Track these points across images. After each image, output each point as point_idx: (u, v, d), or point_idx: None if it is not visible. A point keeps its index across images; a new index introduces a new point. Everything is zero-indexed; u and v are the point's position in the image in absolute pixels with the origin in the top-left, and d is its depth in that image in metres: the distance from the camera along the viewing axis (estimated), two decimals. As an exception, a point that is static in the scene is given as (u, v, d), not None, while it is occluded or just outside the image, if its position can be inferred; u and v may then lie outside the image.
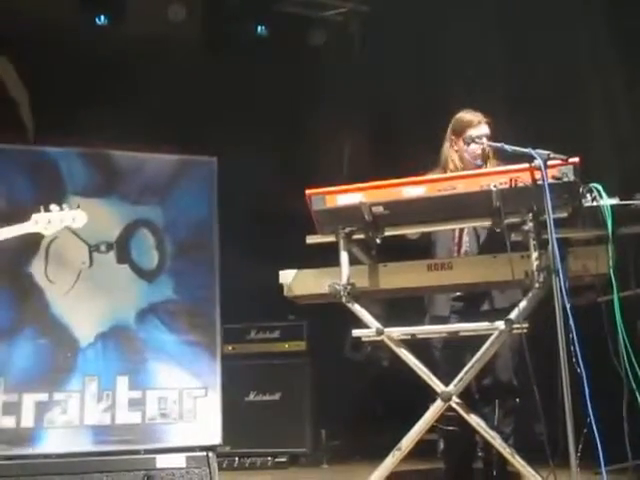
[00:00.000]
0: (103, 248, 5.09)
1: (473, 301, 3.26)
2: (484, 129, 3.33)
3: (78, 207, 3.16)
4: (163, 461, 2.76)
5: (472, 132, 3.33)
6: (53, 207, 3.28)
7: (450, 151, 3.41)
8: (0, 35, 5.29)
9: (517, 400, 3.24)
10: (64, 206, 3.17)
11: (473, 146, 3.32)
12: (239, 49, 5.85)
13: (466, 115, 3.40)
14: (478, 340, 2.91)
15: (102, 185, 5.16)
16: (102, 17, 5.46)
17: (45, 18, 5.39)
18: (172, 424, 4.96)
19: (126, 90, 5.58)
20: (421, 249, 3.33)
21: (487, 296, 3.26)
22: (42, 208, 3.30)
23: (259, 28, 5.81)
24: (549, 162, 2.63)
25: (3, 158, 4.99)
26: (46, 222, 3.35)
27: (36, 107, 5.79)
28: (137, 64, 5.62)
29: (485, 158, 3.31)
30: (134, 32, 5.65)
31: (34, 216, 3.36)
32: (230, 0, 5.93)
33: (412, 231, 3.16)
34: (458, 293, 3.29)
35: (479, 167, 3.29)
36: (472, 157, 3.34)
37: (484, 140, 3.21)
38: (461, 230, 3.30)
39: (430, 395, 2.98)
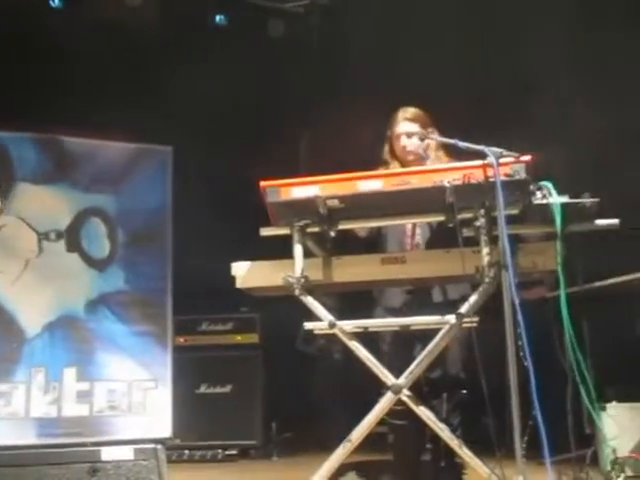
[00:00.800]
0: (53, 236, 4.99)
1: (424, 293, 3.29)
2: (403, 126, 3.40)
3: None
4: (109, 453, 2.72)
5: (395, 130, 3.42)
6: None
7: (386, 147, 3.49)
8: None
9: (464, 392, 3.29)
10: None
11: (395, 142, 3.41)
12: (197, 37, 5.78)
13: (395, 112, 3.46)
14: (429, 333, 2.95)
15: (53, 171, 5.06)
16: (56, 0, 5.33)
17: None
18: (121, 416, 4.90)
19: (80, 75, 5.48)
20: (370, 246, 3.34)
21: (439, 288, 3.29)
22: None
23: (218, 17, 5.75)
24: (502, 160, 2.66)
25: (-51, 142, 4.86)
26: None
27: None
28: (92, 48, 5.51)
29: (413, 155, 3.35)
30: (89, 16, 5.54)
31: None
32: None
33: (366, 225, 3.18)
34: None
35: (415, 161, 3.35)
36: (401, 153, 3.41)
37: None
38: (414, 223, 3.33)
39: (380, 388, 3.00)
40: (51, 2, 5.34)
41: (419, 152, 3.33)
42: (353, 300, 3.45)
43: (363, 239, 3.31)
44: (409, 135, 3.37)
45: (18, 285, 4.85)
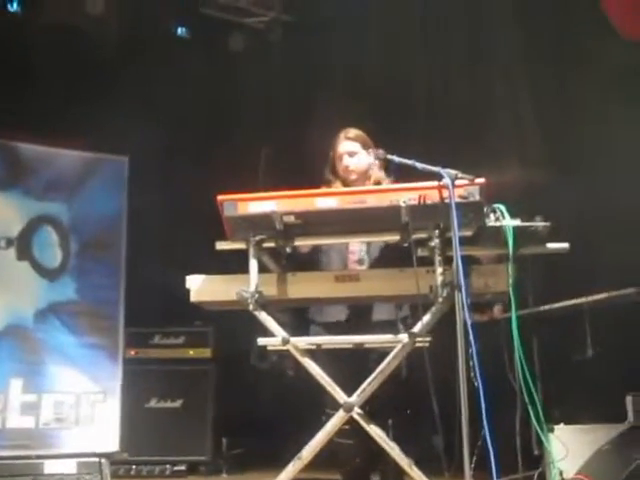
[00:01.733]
0: (3, 244, 4.89)
1: (363, 309, 3.29)
2: (346, 146, 3.43)
3: None
4: (52, 467, 2.66)
5: (337, 149, 3.45)
6: None
7: (327, 168, 3.50)
8: None
9: (408, 412, 3.31)
10: None
11: (337, 163, 3.43)
12: (157, 48, 5.75)
13: (339, 132, 3.49)
14: (368, 351, 2.95)
15: (5, 177, 4.97)
16: (14, 3, 5.25)
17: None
18: (68, 429, 4.80)
19: (37, 81, 5.38)
20: (308, 262, 3.33)
21: (377, 307, 3.30)
22: None
23: (180, 29, 5.73)
24: (457, 182, 2.70)
25: None
26: None
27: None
28: (50, 55, 5.43)
29: (356, 174, 3.37)
30: (48, 22, 5.46)
31: None
32: (151, -2, 5.83)
33: (322, 242, 3.19)
34: None
35: (357, 181, 3.38)
36: (343, 173, 3.44)
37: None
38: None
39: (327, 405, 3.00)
40: (9, 6, 5.24)
41: (362, 170, 3.37)
42: (296, 316, 3.44)
43: (304, 255, 3.30)
44: (351, 154, 3.40)
45: (-35, 292, 4.73)
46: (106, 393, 4.90)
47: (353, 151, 3.41)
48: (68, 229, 5.05)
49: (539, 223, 2.85)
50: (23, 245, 4.93)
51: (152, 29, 5.80)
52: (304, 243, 3.08)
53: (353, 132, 3.46)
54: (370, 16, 5.40)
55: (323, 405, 2.99)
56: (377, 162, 3.31)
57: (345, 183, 3.42)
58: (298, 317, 3.43)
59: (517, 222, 2.83)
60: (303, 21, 5.96)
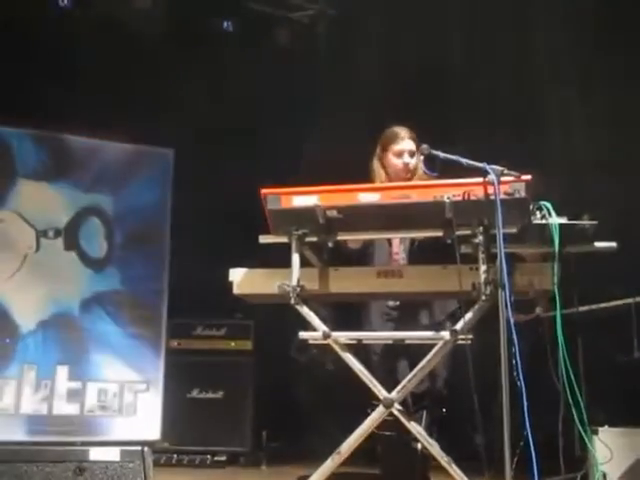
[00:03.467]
0: (51, 234, 5.00)
1: (409, 312, 3.29)
2: (407, 144, 3.41)
3: None
4: (97, 454, 2.71)
5: (395, 147, 3.42)
6: None
7: (377, 165, 3.47)
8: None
9: (444, 410, 3.29)
10: None
11: (394, 160, 3.40)
12: (204, 43, 5.79)
13: (392, 130, 3.47)
14: (415, 349, 2.95)
15: (54, 169, 5.08)
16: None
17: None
18: (111, 417, 4.90)
19: (86, 75, 5.48)
20: (359, 258, 3.34)
21: (424, 309, 3.30)
22: None
23: (225, 23, 5.76)
24: (502, 178, 2.66)
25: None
26: None
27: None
28: (99, 49, 5.52)
29: (410, 173, 3.37)
30: (98, 16, 5.55)
31: None
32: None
33: (364, 237, 3.18)
34: (395, 303, 3.31)
35: (405, 179, 3.36)
36: (395, 171, 3.41)
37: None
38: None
39: (371, 400, 3.00)
40: (60, 2, 5.34)
41: (414, 170, 3.35)
42: (346, 313, 3.45)
43: (354, 251, 3.30)
44: (411, 154, 3.38)
45: (14, 281, 4.86)
46: (149, 383, 4.98)
47: (413, 150, 3.38)
48: (114, 220, 5.15)
49: (586, 221, 2.79)
50: (70, 235, 5.04)
51: (198, 23, 5.84)
52: (346, 238, 3.07)
53: (411, 131, 3.44)
54: (414, 10, 5.35)
55: (369, 397, 2.98)
56: (418, 162, 3.29)
57: (391, 179, 3.40)
58: (356, 314, 3.43)
59: (563, 220, 2.78)
60: (348, 14, 5.93)
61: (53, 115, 5.10)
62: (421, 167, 3.30)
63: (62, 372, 4.85)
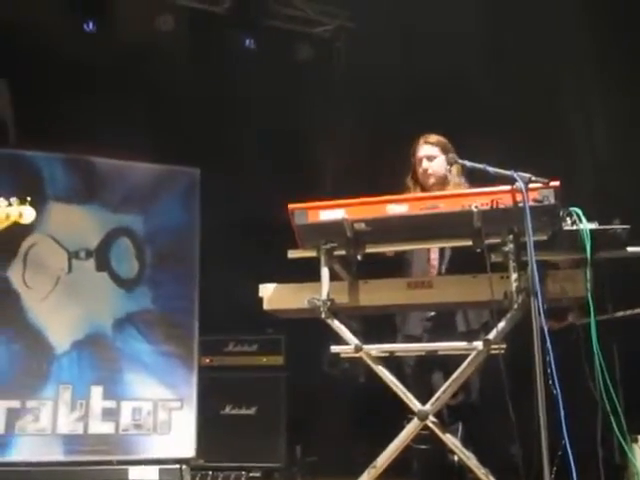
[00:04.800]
0: (83, 255, 5.06)
1: (445, 322, 3.27)
2: (425, 149, 3.44)
3: (26, 202, 2.97)
4: (135, 473, 2.74)
5: (417, 154, 3.47)
6: (0, 201, 3.02)
7: (410, 174, 3.52)
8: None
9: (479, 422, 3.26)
10: (12, 200, 2.97)
11: (418, 167, 3.44)
12: (226, 61, 5.85)
13: (418, 138, 3.51)
14: (450, 360, 2.93)
15: (84, 191, 5.15)
16: (90, 24, 5.43)
17: (34, 22, 5.37)
18: (146, 435, 4.92)
19: (111, 98, 5.56)
20: (396, 267, 3.34)
21: (459, 317, 3.28)
22: None
23: (247, 41, 5.81)
24: (530, 185, 2.65)
25: (-16, 160, 4.96)
26: None
27: (20, 110, 5.75)
28: (123, 72, 5.60)
29: (434, 177, 3.36)
30: (121, 40, 5.64)
31: None
32: (218, 13, 5.94)
33: (393, 249, 3.17)
34: (432, 313, 3.31)
35: (437, 185, 3.36)
36: (422, 177, 3.44)
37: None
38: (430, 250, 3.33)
39: (405, 413, 2.98)
40: (85, 26, 5.43)
41: (440, 174, 3.35)
42: (377, 325, 3.44)
43: (390, 258, 3.30)
44: (430, 158, 3.39)
45: (48, 302, 4.92)
46: (182, 400, 5.00)
47: (432, 155, 3.41)
48: (144, 240, 5.20)
49: (618, 226, 2.76)
50: (101, 256, 5.10)
51: (220, 42, 5.90)
52: (375, 250, 3.06)
53: (433, 137, 3.47)
54: (434, 23, 5.35)
55: (403, 410, 2.97)
56: (454, 167, 3.29)
57: (424, 189, 3.42)
58: (387, 326, 3.43)
59: (594, 225, 2.75)
60: (368, 29, 5.95)
61: (81, 138, 5.18)
62: (455, 175, 3.30)
63: (97, 392, 4.89)
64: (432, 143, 3.44)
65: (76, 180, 5.18)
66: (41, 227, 4.99)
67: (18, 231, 4.84)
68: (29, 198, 2.90)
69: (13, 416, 4.70)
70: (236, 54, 5.87)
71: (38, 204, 4.95)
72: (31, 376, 4.80)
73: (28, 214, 3.01)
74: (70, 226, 5.09)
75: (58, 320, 4.91)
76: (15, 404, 4.72)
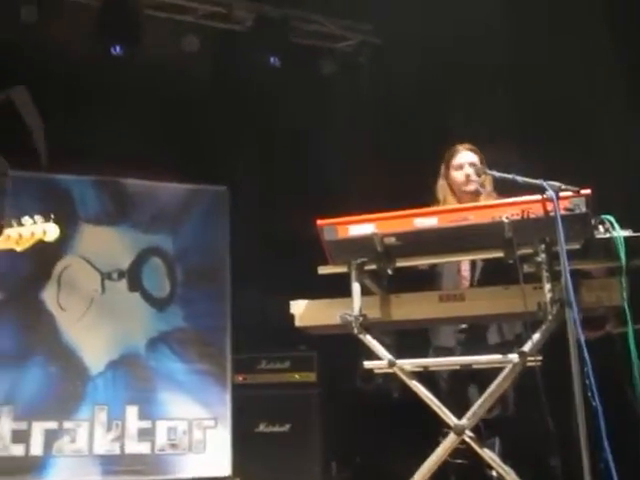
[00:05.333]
0: (115, 276, 5.12)
1: (478, 334, 3.24)
2: (466, 156, 3.42)
3: (50, 219, 3.00)
4: (174, 493, 2.75)
5: (455, 160, 3.43)
6: (25, 220, 3.00)
7: (442, 184, 3.49)
8: (18, 65, 5.37)
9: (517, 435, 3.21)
10: (36, 218, 3.00)
11: (456, 174, 3.40)
12: (251, 79, 5.90)
13: (452, 146, 3.49)
14: (485, 373, 2.90)
15: (114, 213, 5.22)
16: (117, 47, 5.52)
17: (62, 48, 5.47)
18: (182, 455, 4.94)
19: (138, 119, 5.63)
20: (428, 279, 3.32)
21: (492, 329, 3.24)
22: (14, 222, 3.02)
23: (272, 59, 5.85)
24: (561, 194, 2.62)
25: (17, 185, 5.05)
26: (17, 237, 3.01)
27: (50, 134, 5.85)
28: (150, 93, 5.68)
29: (474, 184, 3.34)
30: (147, 61, 5.72)
31: (6, 231, 3.03)
32: (241, 31, 6.00)
33: (423, 262, 3.15)
34: (464, 325, 3.28)
35: (471, 194, 3.34)
36: (458, 185, 3.41)
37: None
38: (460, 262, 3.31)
39: (441, 427, 2.95)
40: (112, 50, 5.51)
41: (477, 185, 3.32)
42: (409, 339, 3.42)
43: (422, 272, 3.28)
44: (472, 164, 3.36)
45: (82, 323, 4.99)
46: (217, 419, 5.02)
47: (473, 162, 3.38)
48: (174, 259, 5.24)
49: (652, 233, 2.71)
50: (134, 276, 5.15)
51: (245, 61, 5.95)
52: (405, 264, 3.05)
53: (471, 145, 3.45)
54: (456, 35, 5.34)
55: (439, 425, 2.94)
56: (485, 178, 3.27)
57: (459, 198, 3.39)
58: (419, 339, 3.41)
59: (628, 232, 2.70)
60: (392, 43, 5.96)
61: (110, 160, 5.25)
62: (487, 187, 3.28)
63: (132, 412, 4.92)
64: (473, 150, 3.42)
65: (106, 202, 5.25)
66: (74, 249, 5.06)
67: (51, 253, 4.97)
68: (53, 216, 2.93)
69: (51, 437, 4.75)
70: (261, 72, 5.91)
71: (70, 226, 5.07)
72: (67, 397, 4.85)
73: (52, 231, 3.02)
74: (102, 247, 5.16)
75: (92, 341, 4.97)
76: (52, 425, 4.77)
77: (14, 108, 5.78)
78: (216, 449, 4.97)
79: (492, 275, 3.10)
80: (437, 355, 3.27)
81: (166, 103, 5.72)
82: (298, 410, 5.19)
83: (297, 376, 5.29)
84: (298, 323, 3.06)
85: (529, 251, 2.75)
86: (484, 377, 2.90)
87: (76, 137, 5.46)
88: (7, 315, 4.81)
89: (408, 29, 5.40)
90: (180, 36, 5.82)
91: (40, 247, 4.89)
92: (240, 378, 5.31)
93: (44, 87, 5.63)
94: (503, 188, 3.13)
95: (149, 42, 5.66)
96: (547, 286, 2.68)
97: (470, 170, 3.37)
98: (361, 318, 2.87)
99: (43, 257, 4.96)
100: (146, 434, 4.92)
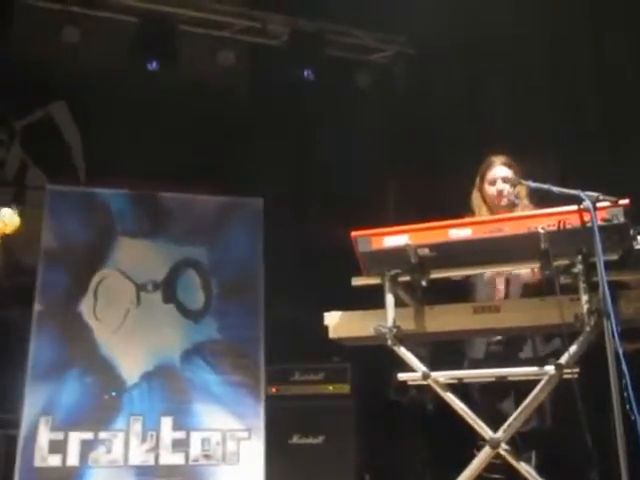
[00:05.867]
0: (150, 287, 5.18)
1: (512, 346, 3.21)
2: (500, 171, 3.38)
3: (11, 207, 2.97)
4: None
5: (489, 174, 3.41)
6: None
7: (476, 196, 3.47)
8: (57, 81, 5.50)
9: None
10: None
11: (489, 188, 3.39)
12: (286, 93, 5.95)
13: (488, 158, 3.47)
14: (520, 385, 2.86)
15: (150, 226, 5.28)
16: (154, 63, 5.61)
17: (100, 64, 5.59)
18: (215, 466, 4.95)
19: (175, 133, 5.71)
20: (461, 291, 3.31)
21: (526, 342, 3.21)
22: None
23: (306, 72, 5.89)
24: (598, 204, 2.59)
25: (57, 199, 5.15)
26: None
27: (88, 149, 5.96)
28: (186, 107, 5.76)
29: (507, 200, 3.30)
30: (183, 76, 5.80)
31: None
32: (276, 46, 6.06)
33: (457, 274, 3.13)
34: (498, 337, 3.25)
35: (506, 207, 3.31)
36: (491, 199, 3.39)
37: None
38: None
39: (476, 441, 2.92)
40: (148, 65, 5.60)
41: (512, 198, 3.29)
42: (443, 351, 3.40)
43: (456, 283, 3.27)
44: (505, 180, 3.33)
45: (118, 335, 5.04)
46: (250, 430, 5.02)
47: (508, 177, 3.35)
48: (209, 271, 5.28)
49: (693, 243, 2.66)
50: (168, 288, 5.20)
51: (280, 75, 6.00)
52: (440, 275, 3.03)
53: (507, 158, 3.42)
54: (493, 45, 5.32)
55: (473, 438, 2.91)
56: (520, 189, 3.24)
57: (493, 210, 3.37)
58: (453, 351, 3.39)
59: (667, 243, 2.66)
60: (426, 53, 5.96)
61: (146, 174, 5.33)
62: (523, 198, 3.25)
63: (167, 422, 4.95)
64: (507, 164, 3.39)
65: (142, 215, 5.31)
66: (110, 262, 5.14)
67: (89, 266, 5.05)
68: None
69: (87, 448, 4.80)
70: (296, 85, 5.95)
71: (108, 240, 5.15)
72: (103, 408, 4.90)
73: (8, 218, 2.96)
74: (138, 260, 5.22)
75: (128, 352, 5.02)
76: (88, 436, 4.82)
77: (54, 124, 5.92)
78: (250, 460, 4.96)
79: (528, 287, 3.07)
80: (472, 368, 3.24)
81: (201, 117, 5.80)
82: (332, 422, 5.16)
83: (331, 387, 5.28)
84: (332, 334, 3.06)
85: (566, 262, 2.72)
86: (520, 390, 2.87)
87: (113, 152, 5.56)
88: (46, 327, 4.89)
89: (442, 39, 5.40)
90: (216, 51, 5.90)
91: (78, 259, 5.00)
92: (273, 389, 5.31)
93: (82, 103, 5.75)
94: (539, 199, 3.10)
95: (185, 57, 5.75)
96: (584, 297, 2.65)
97: (503, 186, 3.34)
98: (395, 330, 2.86)
99: (81, 269, 5.04)
100: (180, 445, 4.94)
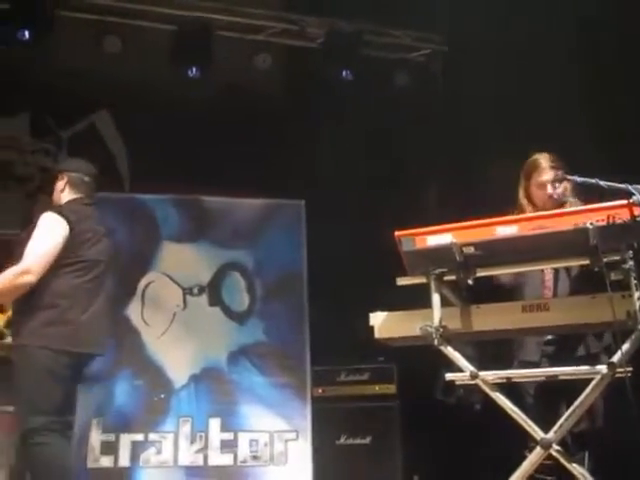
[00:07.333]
0: (196, 291, 5.24)
1: (565, 346, 3.15)
2: (548, 175, 3.31)
3: None
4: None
5: (537, 178, 3.34)
6: None
7: (522, 195, 3.42)
8: (100, 90, 5.60)
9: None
10: None
11: (538, 192, 3.34)
12: (324, 93, 5.95)
13: (534, 159, 3.40)
14: (572, 385, 2.81)
15: (194, 230, 5.35)
16: (194, 69, 5.67)
17: (141, 72, 5.66)
18: (263, 467, 4.99)
19: (215, 138, 5.76)
20: (508, 291, 3.26)
21: (580, 341, 3.15)
22: None
23: (344, 72, 5.88)
24: (648, 198, 2.53)
25: (103, 206, 5.24)
26: None
27: (132, 157, 6.05)
28: (225, 111, 5.80)
29: (556, 204, 3.24)
30: (222, 80, 5.84)
31: None
32: (313, 47, 6.07)
33: (504, 272, 3.09)
34: (549, 337, 3.19)
35: (555, 207, 3.24)
36: (541, 202, 3.33)
37: (565, 183, 3.14)
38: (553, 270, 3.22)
39: (526, 442, 2.87)
40: (189, 72, 5.66)
41: (561, 197, 3.24)
42: (491, 351, 3.36)
43: (505, 283, 3.23)
44: (553, 182, 3.27)
45: (165, 338, 5.12)
46: (298, 431, 5.04)
47: (552, 180, 3.28)
48: (253, 274, 5.32)
49: None
50: (214, 291, 5.26)
51: (318, 76, 6.00)
52: (485, 274, 3.00)
53: (554, 158, 3.36)
54: (528, 43, 5.23)
55: (523, 438, 2.87)
56: (566, 185, 3.19)
57: (538, 209, 3.31)
58: (502, 352, 3.35)
59: None
60: (464, 51, 5.90)
61: (189, 179, 5.39)
62: (568, 194, 3.20)
63: (215, 424, 5.01)
64: (554, 164, 3.32)
65: (186, 219, 5.38)
66: (157, 266, 5.21)
67: (136, 270, 5.13)
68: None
69: (137, 449, 4.88)
70: (333, 86, 5.95)
71: (154, 245, 5.22)
72: (153, 410, 4.98)
73: None
74: (183, 264, 5.29)
75: (175, 355, 5.09)
76: (139, 437, 4.90)
77: (98, 134, 6.03)
78: (297, 461, 4.99)
79: (579, 284, 3.01)
80: (522, 369, 3.20)
81: (241, 120, 5.83)
82: (379, 422, 5.15)
83: (377, 388, 5.26)
84: (377, 335, 3.05)
85: (616, 258, 2.66)
86: (572, 390, 2.82)
87: (156, 158, 5.63)
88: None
89: (480, 37, 5.34)
90: (253, 54, 5.93)
91: (124, 264, 5.08)
92: (319, 390, 5.31)
93: (124, 111, 5.84)
94: (586, 194, 3.04)
95: (222, 62, 5.79)
96: (636, 294, 2.58)
97: (552, 190, 3.27)
98: (441, 329, 2.83)
99: (128, 274, 5.13)
100: (228, 446, 4.99)
